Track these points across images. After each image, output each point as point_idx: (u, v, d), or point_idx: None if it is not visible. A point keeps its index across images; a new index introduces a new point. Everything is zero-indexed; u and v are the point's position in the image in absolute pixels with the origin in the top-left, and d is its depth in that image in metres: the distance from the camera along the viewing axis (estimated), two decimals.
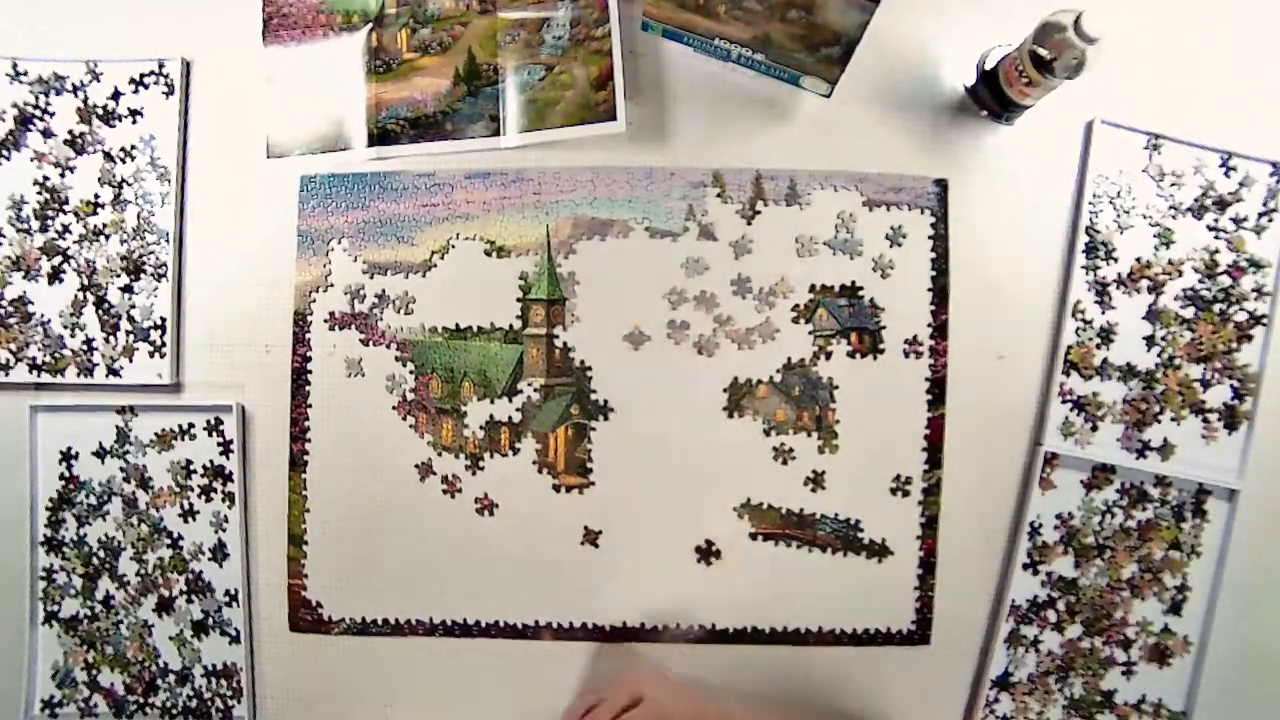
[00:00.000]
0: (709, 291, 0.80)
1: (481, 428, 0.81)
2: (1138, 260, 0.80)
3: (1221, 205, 0.80)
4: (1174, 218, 0.80)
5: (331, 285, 0.82)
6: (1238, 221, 0.80)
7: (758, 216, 0.80)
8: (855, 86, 0.79)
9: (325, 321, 0.82)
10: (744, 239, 0.80)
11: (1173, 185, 0.80)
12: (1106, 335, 0.79)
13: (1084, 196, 0.79)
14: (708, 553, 0.80)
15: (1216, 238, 0.80)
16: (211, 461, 0.82)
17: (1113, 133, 0.79)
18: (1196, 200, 0.80)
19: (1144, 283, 0.80)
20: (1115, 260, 0.80)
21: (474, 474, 0.81)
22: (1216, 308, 0.80)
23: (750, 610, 0.80)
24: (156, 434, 0.83)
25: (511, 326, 0.81)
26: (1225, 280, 0.80)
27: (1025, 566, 0.80)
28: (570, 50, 0.81)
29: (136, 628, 0.83)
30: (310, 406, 0.81)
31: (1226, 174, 0.80)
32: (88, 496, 0.83)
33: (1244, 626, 0.80)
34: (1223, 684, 0.80)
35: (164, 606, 0.83)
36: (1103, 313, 0.80)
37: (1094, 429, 0.80)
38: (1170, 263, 0.80)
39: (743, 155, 0.81)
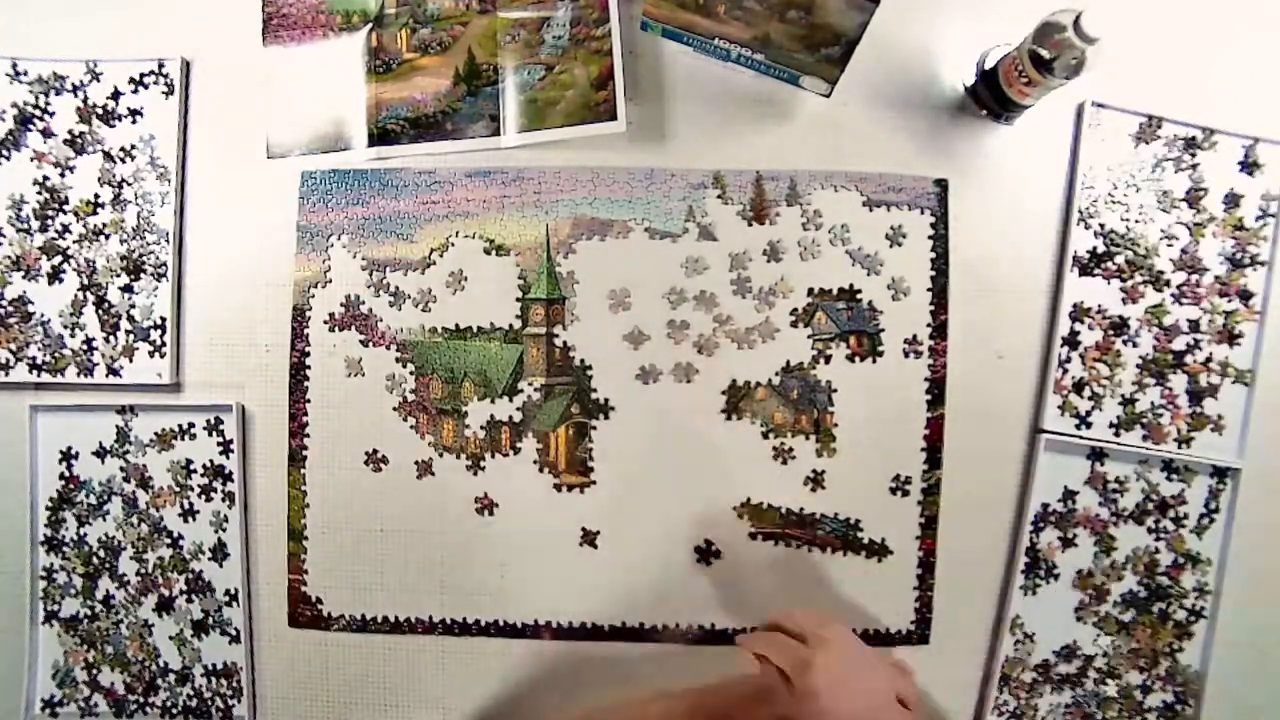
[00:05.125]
0: (709, 291, 0.80)
1: (482, 427, 0.81)
2: (1135, 254, 0.80)
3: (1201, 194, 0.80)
4: (1167, 211, 0.80)
5: (330, 281, 0.82)
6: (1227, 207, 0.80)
7: (758, 218, 0.80)
8: (855, 86, 0.79)
9: (325, 322, 0.82)
10: (744, 239, 0.80)
11: (1162, 171, 0.80)
12: (1119, 328, 0.80)
13: (1076, 192, 0.79)
14: (708, 553, 0.80)
15: (1206, 229, 0.80)
16: (211, 461, 0.82)
17: (1108, 126, 0.80)
18: (1188, 193, 0.80)
19: (1139, 278, 0.80)
20: (1113, 255, 0.80)
21: (475, 474, 0.81)
22: (1213, 285, 0.80)
23: (750, 610, 0.80)
24: (156, 434, 0.83)
25: (511, 326, 0.81)
26: (1220, 269, 0.80)
27: (1025, 566, 0.80)
28: (570, 50, 0.81)
29: (136, 627, 0.83)
30: (309, 402, 0.81)
31: (1201, 149, 0.80)
32: (88, 496, 0.83)
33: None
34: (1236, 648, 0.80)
35: (164, 606, 0.83)
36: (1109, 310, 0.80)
37: (1091, 417, 0.80)
38: (1172, 262, 0.80)
39: (743, 155, 0.81)
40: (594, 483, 0.80)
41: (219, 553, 0.82)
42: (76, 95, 0.83)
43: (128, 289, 0.82)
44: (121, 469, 0.83)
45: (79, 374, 0.82)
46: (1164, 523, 0.80)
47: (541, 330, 0.81)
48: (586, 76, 0.80)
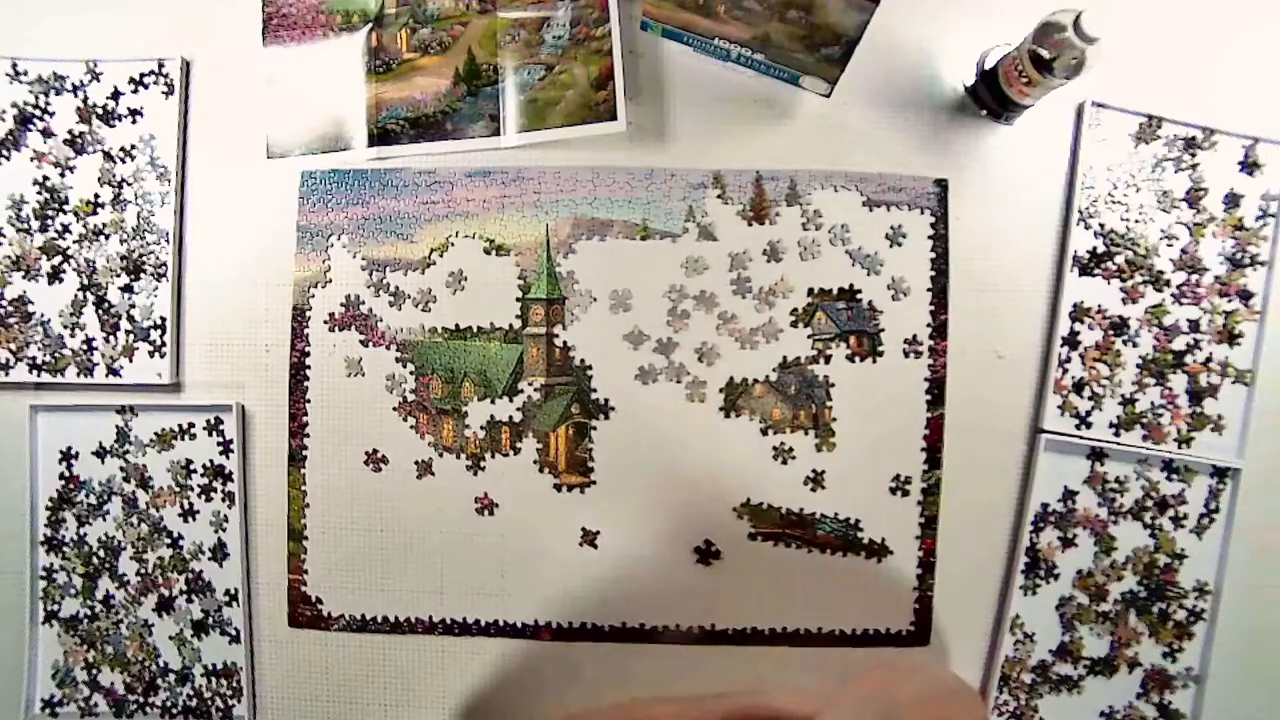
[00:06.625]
0: (709, 291, 0.80)
1: (482, 427, 0.81)
2: (1135, 254, 0.80)
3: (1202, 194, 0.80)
4: (1167, 211, 0.80)
5: (330, 281, 0.82)
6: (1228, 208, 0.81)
7: (758, 218, 0.80)
8: (855, 86, 0.79)
9: (325, 322, 0.82)
10: (744, 239, 0.80)
11: (1162, 171, 0.80)
12: (1119, 328, 0.80)
13: (1076, 192, 0.79)
14: (707, 553, 0.80)
15: (1206, 229, 0.80)
16: (211, 461, 0.82)
17: (1108, 126, 0.80)
18: (1188, 193, 0.80)
19: (1139, 278, 0.80)
20: (1113, 255, 0.80)
21: (475, 474, 0.81)
22: (1214, 285, 0.80)
23: (750, 610, 0.80)
24: (156, 434, 0.83)
25: (511, 326, 0.81)
26: (1220, 269, 0.80)
27: (1025, 566, 0.80)
28: (570, 50, 0.81)
29: (136, 627, 0.83)
30: (309, 402, 0.81)
31: (1201, 149, 0.80)
32: (88, 496, 0.83)
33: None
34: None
35: (164, 606, 0.83)
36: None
37: (1091, 417, 0.80)
38: (1172, 262, 0.80)
39: (743, 155, 0.81)
40: (594, 483, 0.80)
41: (219, 553, 0.82)
42: (76, 95, 0.83)
43: (128, 289, 0.82)
44: (121, 469, 0.83)
45: (79, 374, 0.82)
46: (1164, 523, 0.80)
47: (541, 330, 0.81)
48: (586, 76, 0.80)
